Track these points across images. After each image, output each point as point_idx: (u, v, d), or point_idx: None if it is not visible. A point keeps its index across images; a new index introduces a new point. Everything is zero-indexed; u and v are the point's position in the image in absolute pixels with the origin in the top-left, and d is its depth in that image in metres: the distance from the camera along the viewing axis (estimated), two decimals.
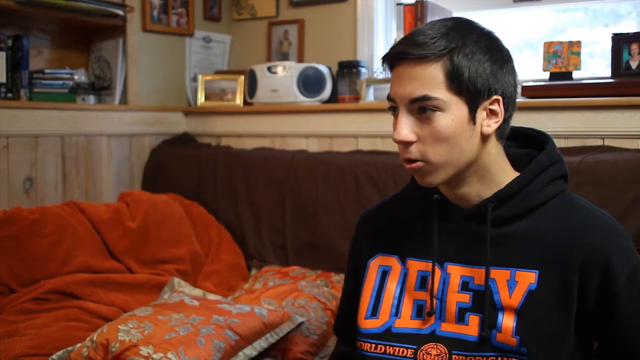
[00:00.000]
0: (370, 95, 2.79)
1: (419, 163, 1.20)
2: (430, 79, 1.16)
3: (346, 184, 2.45)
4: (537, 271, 1.20)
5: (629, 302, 1.18)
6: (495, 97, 1.20)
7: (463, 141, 1.18)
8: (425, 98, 1.16)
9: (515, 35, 2.71)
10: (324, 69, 2.85)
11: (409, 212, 1.37)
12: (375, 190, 2.37)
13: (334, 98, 2.85)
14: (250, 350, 1.92)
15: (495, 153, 1.25)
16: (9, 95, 2.53)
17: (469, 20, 1.24)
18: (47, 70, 2.70)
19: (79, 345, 1.85)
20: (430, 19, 2.49)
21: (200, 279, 2.50)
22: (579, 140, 2.18)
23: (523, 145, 1.35)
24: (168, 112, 3.11)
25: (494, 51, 1.20)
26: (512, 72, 1.24)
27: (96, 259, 2.27)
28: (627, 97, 2.09)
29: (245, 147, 2.93)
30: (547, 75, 2.37)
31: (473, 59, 1.17)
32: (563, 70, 2.33)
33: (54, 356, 1.84)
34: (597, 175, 1.93)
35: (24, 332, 1.90)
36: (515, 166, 1.29)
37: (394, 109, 1.23)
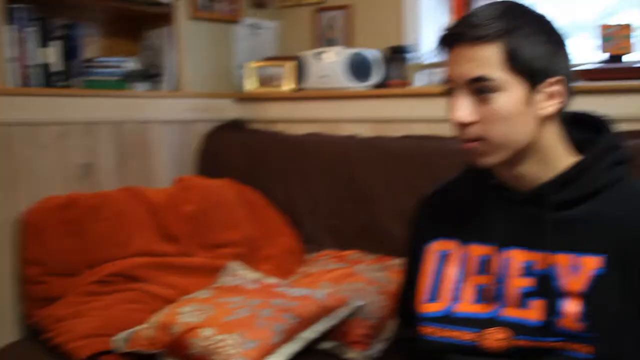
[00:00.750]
0: (419, 80, 2.77)
1: (476, 143, 1.20)
2: (488, 60, 1.16)
3: (398, 168, 2.44)
4: (601, 256, 1.18)
5: None
6: (553, 78, 1.19)
7: (521, 122, 1.18)
8: (484, 78, 1.16)
9: (564, 18, 2.66)
10: (372, 54, 2.83)
11: (468, 196, 1.36)
12: (428, 174, 2.35)
13: (383, 83, 2.84)
14: (309, 334, 1.92)
15: (554, 135, 1.24)
16: (64, 83, 2.57)
17: (522, 4, 1.23)
18: (99, 59, 2.73)
19: (141, 326, 1.88)
20: (479, 1, 2.47)
21: (256, 262, 2.49)
22: (635, 124, 2.13)
23: (584, 130, 1.32)
24: (219, 99, 3.13)
25: (550, 33, 1.19)
26: (568, 54, 1.23)
27: (154, 243, 2.30)
28: None
29: (297, 133, 2.93)
30: (601, 58, 2.33)
31: (530, 40, 1.16)
32: (619, 52, 2.29)
33: (117, 337, 1.87)
34: None
35: (89, 314, 1.94)
36: (576, 150, 1.27)
37: (450, 91, 1.23)
